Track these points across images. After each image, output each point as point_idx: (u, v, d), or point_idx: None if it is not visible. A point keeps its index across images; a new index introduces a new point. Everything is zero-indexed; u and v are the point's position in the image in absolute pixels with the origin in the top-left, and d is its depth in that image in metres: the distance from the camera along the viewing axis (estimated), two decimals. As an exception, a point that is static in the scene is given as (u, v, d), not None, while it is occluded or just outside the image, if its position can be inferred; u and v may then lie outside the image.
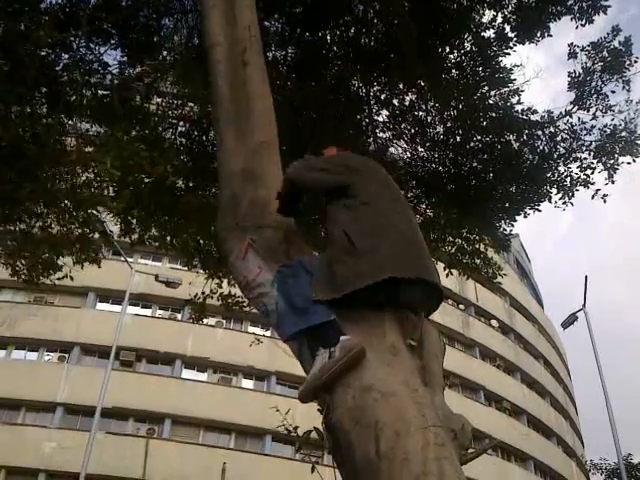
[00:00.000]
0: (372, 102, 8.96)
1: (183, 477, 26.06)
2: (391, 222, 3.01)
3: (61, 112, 8.22)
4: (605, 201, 8.51)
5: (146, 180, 7.14)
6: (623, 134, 8.22)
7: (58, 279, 9.64)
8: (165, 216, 8.69)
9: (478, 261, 9.77)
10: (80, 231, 9.28)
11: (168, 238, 9.17)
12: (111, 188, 8.44)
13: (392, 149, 9.47)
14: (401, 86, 8.87)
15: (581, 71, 8.18)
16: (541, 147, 8.69)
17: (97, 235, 9.46)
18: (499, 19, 8.39)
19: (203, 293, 10.00)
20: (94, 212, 9.11)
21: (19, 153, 7.17)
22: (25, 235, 9.06)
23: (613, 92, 8.30)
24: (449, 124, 8.94)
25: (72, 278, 9.61)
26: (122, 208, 7.91)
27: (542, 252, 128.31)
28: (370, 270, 2.78)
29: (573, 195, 8.66)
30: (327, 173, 3.19)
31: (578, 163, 8.59)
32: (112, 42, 8.55)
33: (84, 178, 8.95)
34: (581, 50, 8.16)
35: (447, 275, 9.68)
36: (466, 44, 8.49)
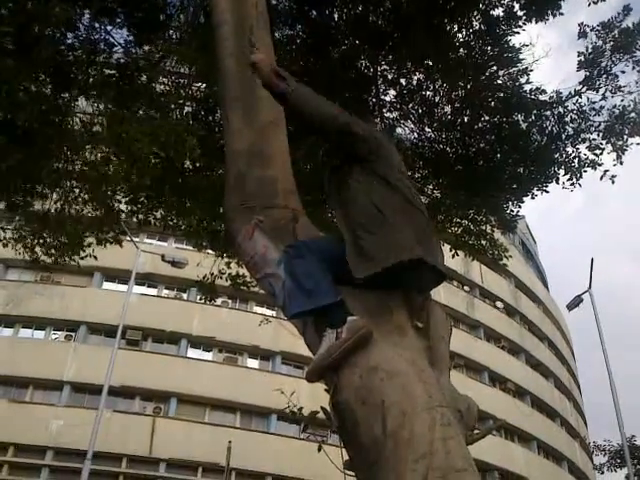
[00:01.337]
0: (379, 82, 8.89)
1: (189, 455, 26.32)
2: (413, 204, 3.02)
3: (66, 91, 8.19)
4: (613, 182, 8.46)
5: (152, 157, 7.13)
6: (632, 115, 8.15)
7: (82, 258, 9.69)
8: (173, 196, 8.70)
9: (484, 242, 9.76)
10: (99, 211, 9.32)
11: (175, 219, 9.20)
12: (122, 166, 8.46)
13: (399, 129, 9.42)
14: (409, 65, 8.80)
15: (591, 51, 8.09)
16: (549, 128, 8.61)
17: (105, 214, 9.50)
18: (508, -4, 8.30)
19: (212, 274, 10.03)
20: (106, 191, 9.14)
21: (33, 132, 7.15)
22: (41, 217, 9.09)
23: (623, 72, 8.23)
24: (457, 104, 8.87)
25: (96, 257, 9.65)
26: (148, 182, 7.91)
27: (549, 234, 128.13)
28: (405, 245, 2.79)
29: (581, 176, 8.60)
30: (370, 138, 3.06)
31: (586, 144, 8.53)
32: (118, 21, 8.49)
33: (95, 156, 8.94)
34: (591, 30, 8.07)
35: (453, 256, 9.68)
36: (474, 23, 8.39)
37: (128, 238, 22.36)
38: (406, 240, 2.81)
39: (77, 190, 9.25)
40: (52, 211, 9.21)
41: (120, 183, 8.73)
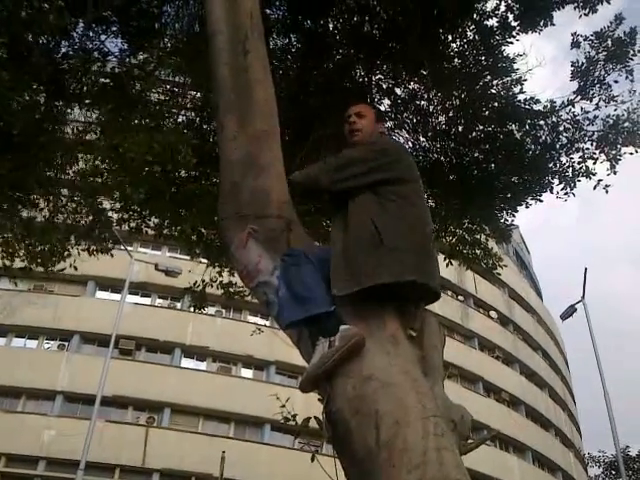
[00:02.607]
0: (374, 91, 8.90)
1: (182, 466, 26.20)
2: (417, 221, 3.04)
3: (60, 100, 8.18)
4: (607, 192, 8.45)
5: (146, 167, 7.11)
6: (626, 124, 8.15)
7: (60, 270, 9.57)
8: (166, 205, 8.67)
9: (478, 251, 9.75)
10: (88, 220, 9.25)
11: (170, 227, 9.17)
12: (115, 176, 8.43)
13: (394, 139, 9.42)
14: (403, 75, 8.82)
15: (584, 61, 8.12)
16: (543, 137, 8.62)
17: (95, 222, 9.45)
18: (502, 7, 8.33)
19: (203, 281, 9.98)
20: (98, 200, 9.10)
21: (26, 141, 7.13)
22: (27, 223, 9.01)
23: (616, 82, 8.22)
24: (451, 114, 8.88)
25: (76, 268, 9.56)
26: (142, 194, 7.88)
27: (543, 244, 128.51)
28: (394, 268, 2.81)
29: (575, 186, 8.60)
30: (366, 171, 3.11)
31: (580, 153, 8.53)
32: (113, 29, 8.49)
33: (88, 166, 8.90)
34: (584, 40, 8.09)
35: (447, 265, 9.67)
36: (469, 33, 8.42)
37: (122, 247, 22.38)
38: (396, 263, 2.83)
39: (66, 199, 9.16)
40: (39, 219, 9.11)
41: (113, 192, 8.69)
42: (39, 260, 9.24)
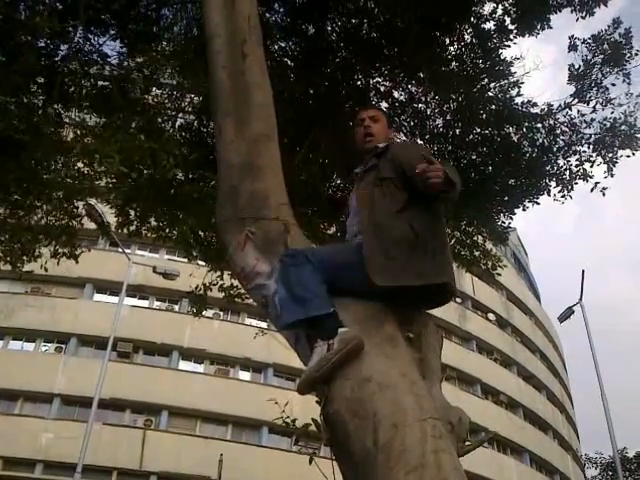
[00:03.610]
0: (372, 94, 8.92)
1: (180, 468, 26.15)
2: (440, 222, 3.13)
3: (58, 103, 8.15)
4: (604, 194, 8.47)
5: (145, 172, 7.10)
6: (623, 127, 8.17)
7: (27, 272, 9.37)
8: (164, 207, 8.66)
9: (477, 253, 9.76)
10: (65, 222, 9.09)
11: (167, 230, 9.15)
12: (108, 179, 8.41)
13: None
14: (401, 78, 8.84)
15: (581, 64, 8.15)
16: (540, 140, 8.64)
17: (94, 226, 9.36)
18: (499, 11, 8.35)
19: (204, 285, 9.97)
20: (88, 203, 8.98)
21: (10, 141, 7.07)
22: (2, 222, 8.86)
23: (613, 85, 8.25)
24: (448, 116, 8.89)
25: (46, 269, 9.33)
26: (121, 201, 7.88)
27: (542, 247, 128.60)
28: (432, 271, 2.90)
29: (572, 188, 8.62)
30: None
31: (577, 156, 8.54)
32: (111, 32, 8.48)
33: (78, 169, 8.81)
34: (582, 43, 8.13)
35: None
36: (466, 36, 8.44)
37: (120, 249, 22.36)
38: (432, 267, 2.91)
39: (43, 199, 9.03)
40: (16, 218, 8.95)
41: (96, 196, 8.59)
42: (8, 259, 9.08)
